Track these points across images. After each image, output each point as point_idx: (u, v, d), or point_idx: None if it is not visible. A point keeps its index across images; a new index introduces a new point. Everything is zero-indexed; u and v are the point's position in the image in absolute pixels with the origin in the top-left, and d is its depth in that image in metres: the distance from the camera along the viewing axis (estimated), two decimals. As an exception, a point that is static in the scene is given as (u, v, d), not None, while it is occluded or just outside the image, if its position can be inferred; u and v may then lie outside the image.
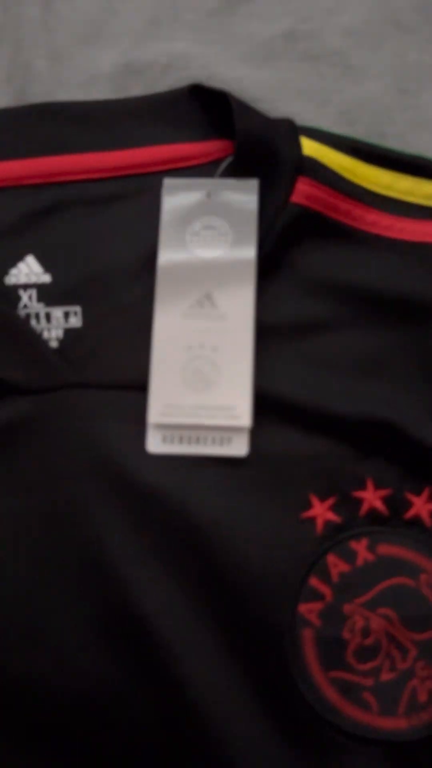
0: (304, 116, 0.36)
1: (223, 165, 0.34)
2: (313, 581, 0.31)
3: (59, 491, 0.31)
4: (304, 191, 0.33)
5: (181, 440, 0.32)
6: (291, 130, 0.34)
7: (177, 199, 0.33)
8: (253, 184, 0.33)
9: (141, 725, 0.30)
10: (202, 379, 0.32)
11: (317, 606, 0.31)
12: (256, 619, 0.30)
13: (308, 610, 0.30)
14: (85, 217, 0.35)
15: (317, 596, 0.31)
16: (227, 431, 0.31)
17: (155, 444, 0.31)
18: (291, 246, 0.33)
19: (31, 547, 0.31)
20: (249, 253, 0.32)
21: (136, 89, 0.39)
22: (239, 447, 0.31)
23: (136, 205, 0.35)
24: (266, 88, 0.39)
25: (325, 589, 0.31)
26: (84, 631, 0.31)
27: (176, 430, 0.32)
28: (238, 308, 0.32)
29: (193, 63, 0.39)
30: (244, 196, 0.33)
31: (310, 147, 0.34)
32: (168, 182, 0.34)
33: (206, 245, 0.33)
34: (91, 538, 0.31)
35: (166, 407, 0.32)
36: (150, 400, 0.32)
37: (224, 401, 0.31)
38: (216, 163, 0.35)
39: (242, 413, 0.31)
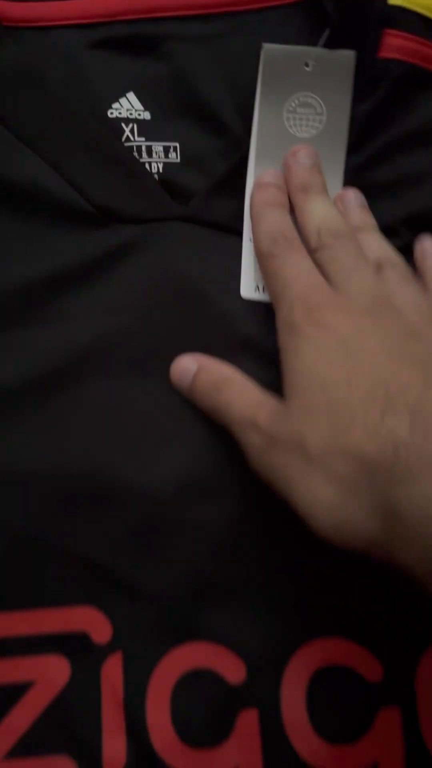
0: None
1: (325, 34, 0.33)
2: None
3: (153, 316, 0.33)
4: (394, 44, 0.33)
5: None
6: None
7: (276, 68, 0.33)
8: (350, 57, 0.32)
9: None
10: None
11: None
12: None
13: None
14: (182, 56, 0.34)
15: None
16: None
17: (249, 289, 0.32)
18: (389, 102, 0.33)
19: (116, 366, 0.32)
20: (341, 134, 0.33)
21: None
22: None
23: (231, 46, 0.34)
24: None
25: None
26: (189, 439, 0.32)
27: None
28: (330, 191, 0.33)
29: None
30: (340, 71, 0.32)
31: None
32: (267, 48, 0.33)
33: (302, 124, 0.33)
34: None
35: None
36: (243, 270, 0.33)
37: None
38: None
39: None
